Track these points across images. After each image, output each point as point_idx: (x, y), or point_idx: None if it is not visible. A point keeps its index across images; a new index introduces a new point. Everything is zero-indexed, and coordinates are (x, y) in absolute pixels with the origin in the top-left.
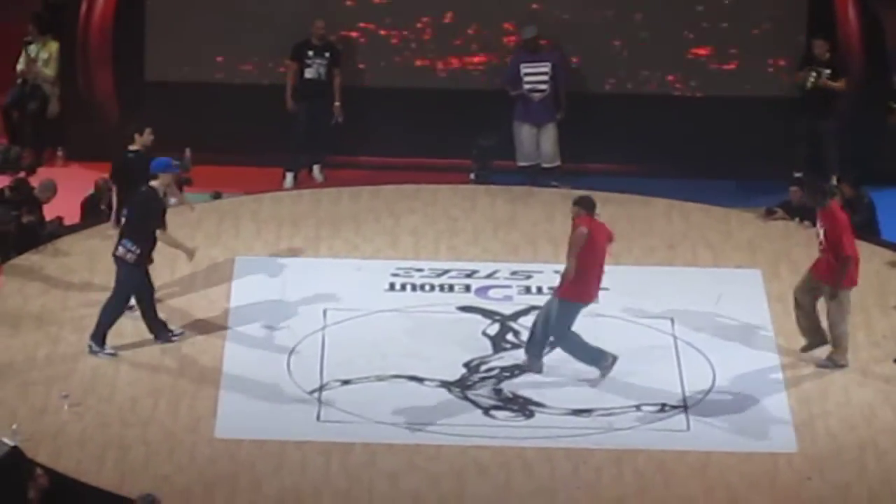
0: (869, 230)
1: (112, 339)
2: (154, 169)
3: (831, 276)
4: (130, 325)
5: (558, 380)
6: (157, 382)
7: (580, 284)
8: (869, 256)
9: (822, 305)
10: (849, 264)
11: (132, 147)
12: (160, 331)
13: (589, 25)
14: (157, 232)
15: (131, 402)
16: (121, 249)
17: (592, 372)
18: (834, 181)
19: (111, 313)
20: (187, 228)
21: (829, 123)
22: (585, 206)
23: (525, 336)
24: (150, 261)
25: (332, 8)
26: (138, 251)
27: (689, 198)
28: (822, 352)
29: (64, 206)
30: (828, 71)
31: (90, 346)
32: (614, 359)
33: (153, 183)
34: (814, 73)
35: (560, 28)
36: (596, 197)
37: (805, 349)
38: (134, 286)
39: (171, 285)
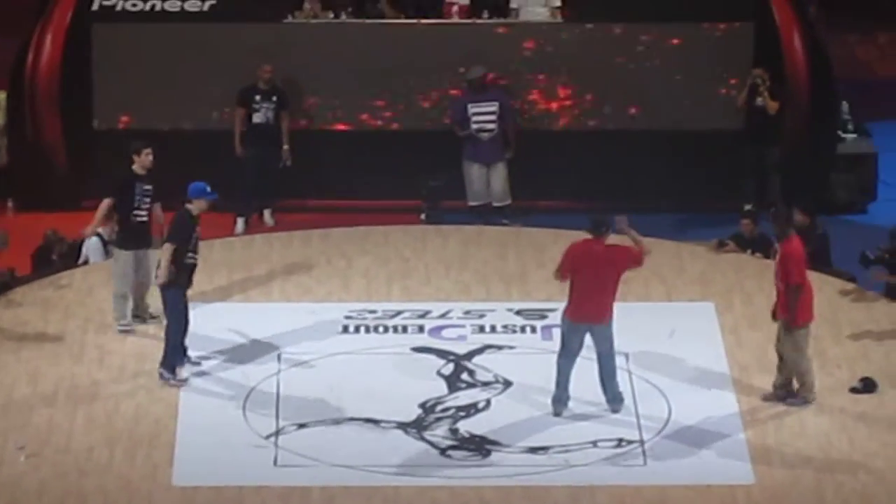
0: (821, 260)
1: (67, 386)
2: (191, 194)
3: (785, 310)
4: (85, 375)
5: (514, 418)
6: (113, 431)
7: (570, 302)
8: (821, 286)
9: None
10: (799, 294)
11: (134, 168)
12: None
13: (535, 63)
14: (164, 244)
15: (88, 451)
16: (160, 275)
17: (545, 409)
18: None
19: (174, 339)
20: None
21: (772, 152)
22: (589, 228)
23: (480, 375)
24: (190, 283)
25: (279, 53)
26: (175, 271)
27: (640, 232)
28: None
29: (15, 257)
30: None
31: (161, 374)
32: (558, 413)
33: (188, 206)
34: (759, 89)
35: (506, 67)
36: (547, 234)
37: (766, 397)
38: (179, 306)
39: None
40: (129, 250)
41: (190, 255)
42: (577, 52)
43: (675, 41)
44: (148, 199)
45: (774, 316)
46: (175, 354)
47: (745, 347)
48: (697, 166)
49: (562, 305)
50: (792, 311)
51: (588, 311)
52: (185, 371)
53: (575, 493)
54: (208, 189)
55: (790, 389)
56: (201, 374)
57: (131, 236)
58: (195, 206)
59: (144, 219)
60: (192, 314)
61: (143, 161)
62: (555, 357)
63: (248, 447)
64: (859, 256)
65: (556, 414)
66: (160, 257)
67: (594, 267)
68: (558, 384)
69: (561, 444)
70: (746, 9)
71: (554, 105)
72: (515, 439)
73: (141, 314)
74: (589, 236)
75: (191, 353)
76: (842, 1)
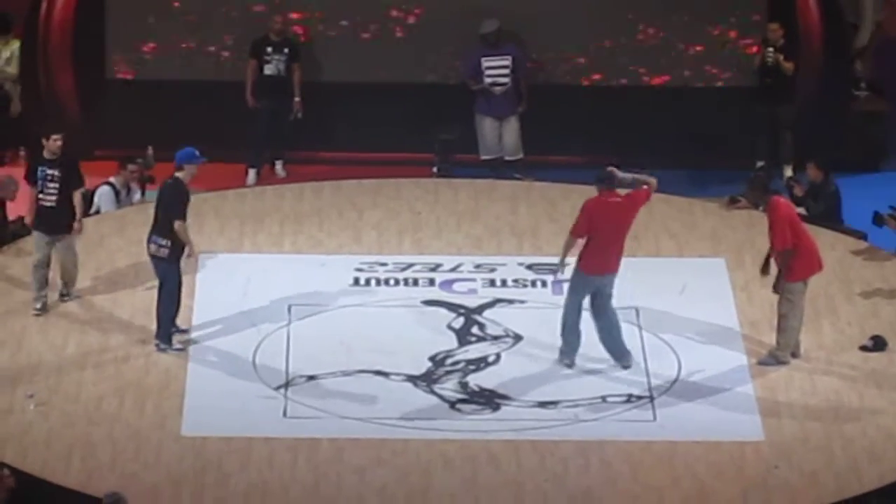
0: (832, 218)
1: (77, 336)
2: (179, 160)
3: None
4: (96, 324)
5: (523, 372)
6: (123, 381)
7: (586, 255)
8: (832, 244)
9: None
10: (788, 258)
11: (44, 153)
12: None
13: (549, 17)
14: (175, 222)
15: (97, 400)
16: (152, 247)
17: (555, 364)
18: (789, 171)
19: (168, 312)
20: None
21: (785, 110)
22: (597, 182)
23: (490, 329)
24: (182, 253)
25: (292, 3)
26: (169, 244)
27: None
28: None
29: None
30: (780, 55)
31: (157, 345)
32: (570, 365)
33: (178, 174)
34: (770, 50)
35: (520, 20)
36: (558, 189)
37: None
38: (176, 279)
39: (135, 282)
40: (38, 231)
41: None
42: (590, 6)
43: None
44: (54, 186)
45: (763, 272)
46: (169, 325)
47: (756, 304)
48: (711, 123)
49: (573, 261)
50: (784, 273)
51: (603, 263)
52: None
53: (584, 447)
54: (197, 153)
55: (795, 348)
56: (211, 323)
57: (40, 220)
58: (186, 173)
59: (51, 204)
60: (200, 264)
61: (50, 146)
62: (563, 311)
63: (257, 398)
64: (872, 215)
65: (570, 365)
66: (180, 235)
67: (614, 219)
68: (570, 335)
69: (570, 398)
70: None
71: (567, 59)
72: (525, 393)
73: (69, 293)
74: (599, 190)
75: (202, 302)
76: None
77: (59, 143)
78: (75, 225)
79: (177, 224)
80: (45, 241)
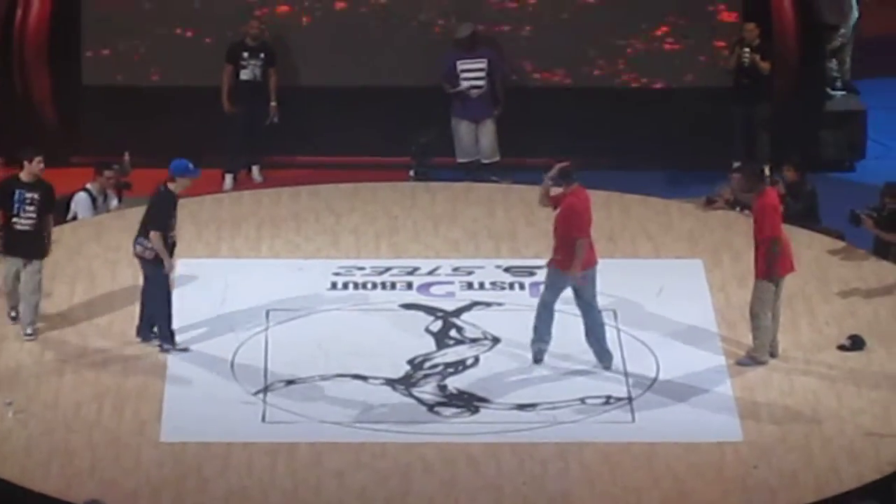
0: (810, 217)
1: (55, 343)
2: (173, 171)
3: (757, 263)
4: (73, 330)
5: (502, 375)
6: (102, 387)
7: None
8: (809, 243)
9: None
10: (776, 246)
11: (21, 174)
12: (147, 333)
13: (525, 20)
14: (151, 232)
15: (75, 407)
16: (138, 248)
17: (533, 366)
18: (767, 170)
19: (162, 312)
20: (131, 231)
21: (761, 110)
22: (569, 180)
23: (468, 332)
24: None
25: (268, 9)
26: (153, 247)
27: (628, 189)
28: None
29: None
30: (756, 55)
31: (161, 346)
32: (538, 361)
33: (170, 185)
34: (746, 50)
35: (496, 23)
36: (535, 192)
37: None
38: (164, 279)
39: (113, 288)
40: (9, 256)
41: (171, 234)
42: (567, 8)
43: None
44: (32, 209)
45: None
46: (168, 324)
47: (734, 305)
48: (687, 123)
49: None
50: (771, 265)
51: (587, 258)
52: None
53: (563, 449)
54: (191, 166)
55: (773, 347)
56: (189, 328)
57: (11, 243)
58: (178, 185)
59: (25, 228)
60: (178, 269)
61: (31, 168)
62: None
63: (236, 403)
64: (848, 214)
65: (539, 360)
66: (154, 246)
67: (589, 213)
68: (544, 332)
69: (549, 400)
70: None
71: (542, 61)
72: (503, 396)
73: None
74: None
75: (177, 309)
76: None
77: (42, 165)
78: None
79: (153, 234)
80: (17, 267)
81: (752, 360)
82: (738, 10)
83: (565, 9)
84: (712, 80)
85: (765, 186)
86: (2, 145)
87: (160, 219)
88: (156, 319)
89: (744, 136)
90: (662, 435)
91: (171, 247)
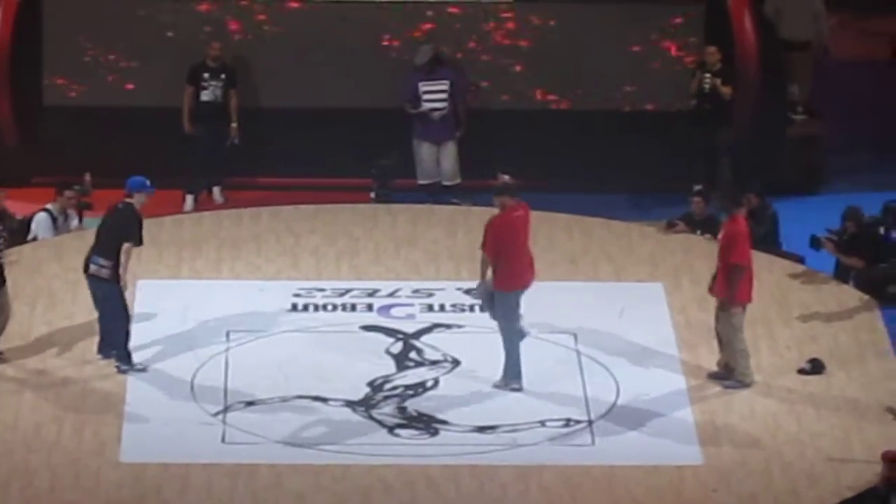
0: (771, 241)
1: (15, 363)
2: (130, 188)
3: (723, 288)
4: (33, 350)
5: (462, 397)
6: (61, 408)
7: (512, 272)
8: (769, 267)
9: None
10: (737, 274)
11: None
12: (107, 349)
13: (487, 42)
14: (126, 245)
15: (35, 427)
16: (93, 267)
17: (493, 388)
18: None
19: (119, 332)
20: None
21: (722, 134)
22: (510, 194)
23: (428, 353)
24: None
25: (228, 30)
26: (111, 264)
27: (589, 212)
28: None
29: None
30: (718, 80)
31: (118, 367)
32: (518, 389)
33: (129, 200)
34: (707, 76)
35: (457, 44)
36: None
37: (711, 376)
38: (120, 299)
39: (73, 308)
40: None
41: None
42: (528, 30)
43: (627, 21)
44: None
45: (711, 290)
46: (125, 345)
47: (694, 328)
48: (648, 146)
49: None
50: (731, 291)
51: (529, 277)
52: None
53: (523, 472)
54: (147, 183)
55: (732, 369)
56: (150, 349)
57: None
58: (136, 200)
59: None
60: (138, 290)
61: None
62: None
63: (196, 424)
64: (809, 239)
65: (519, 388)
66: (124, 260)
67: (525, 231)
68: (518, 361)
69: (509, 423)
70: None
71: (504, 84)
72: (463, 418)
73: None
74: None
75: (137, 330)
76: None
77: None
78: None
79: (126, 246)
80: None
81: (739, 383)
82: (701, 32)
83: (528, 33)
84: (674, 104)
85: (736, 212)
86: None
87: (137, 233)
88: (112, 339)
89: (705, 160)
90: (622, 458)
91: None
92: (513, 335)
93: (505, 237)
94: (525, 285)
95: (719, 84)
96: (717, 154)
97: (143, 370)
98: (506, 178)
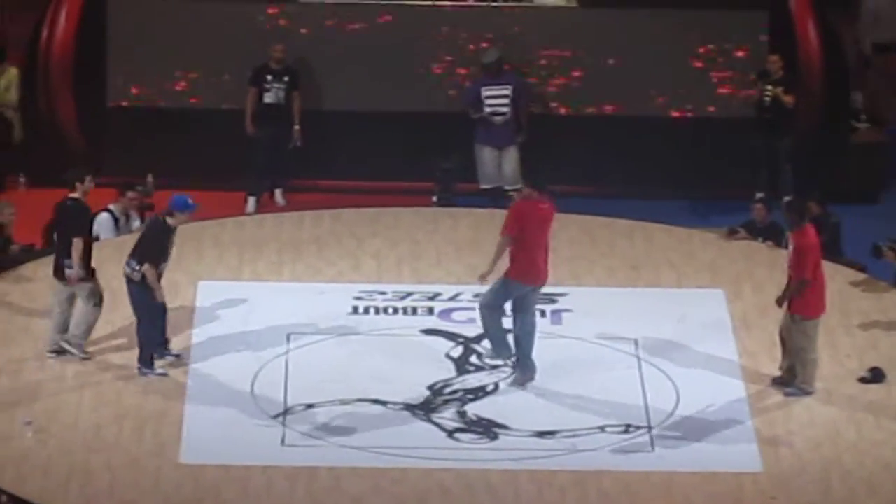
0: (833, 249)
1: (76, 363)
2: (174, 207)
3: (794, 303)
4: (94, 351)
5: (522, 402)
6: (121, 408)
7: (528, 263)
8: (832, 275)
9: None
10: (803, 288)
11: (73, 195)
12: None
13: (549, 48)
14: (145, 264)
15: (95, 428)
16: (127, 269)
17: (553, 393)
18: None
19: (145, 334)
20: None
21: (785, 142)
22: (536, 186)
23: (488, 358)
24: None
25: (293, 32)
26: (141, 270)
27: (651, 218)
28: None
29: (28, 232)
30: (780, 88)
31: (139, 369)
32: (510, 358)
33: (169, 220)
34: (769, 87)
35: (522, 52)
36: (558, 219)
37: (775, 381)
38: (147, 302)
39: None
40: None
41: (162, 265)
42: (591, 37)
43: (690, 27)
44: None
45: (779, 302)
46: (149, 348)
47: (755, 335)
48: (711, 153)
49: (573, 290)
50: (787, 300)
51: (543, 276)
52: (161, 365)
53: (581, 478)
54: (190, 202)
55: (795, 374)
56: (210, 351)
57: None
58: (176, 220)
59: None
60: (199, 292)
61: (85, 187)
62: (561, 341)
63: (255, 426)
64: (871, 247)
65: (510, 356)
66: (147, 278)
67: (547, 225)
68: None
69: (569, 428)
70: None
71: (567, 90)
72: (523, 423)
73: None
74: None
75: (201, 330)
76: None
77: (92, 184)
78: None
79: (146, 268)
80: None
81: (800, 390)
82: (765, 40)
83: (589, 39)
84: (736, 111)
85: (805, 224)
86: (28, 166)
87: (153, 251)
88: (141, 343)
89: (767, 168)
90: (681, 464)
91: (158, 275)
92: (493, 315)
93: (527, 223)
94: (535, 282)
95: (781, 93)
96: (780, 162)
97: (165, 375)
98: None
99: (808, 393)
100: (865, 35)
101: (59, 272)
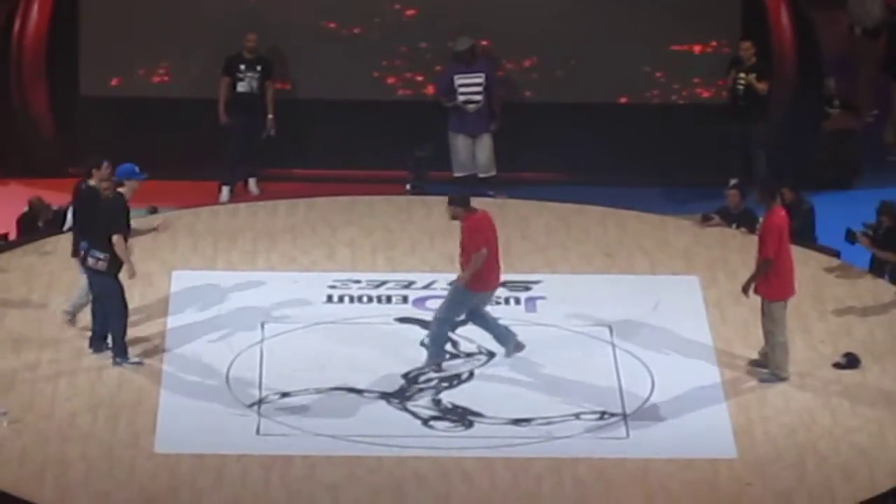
0: (806, 235)
1: (51, 353)
2: (120, 175)
3: (760, 285)
4: (69, 341)
5: (497, 389)
6: (96, 398)
7: (486, 273)
8: (805, 261)
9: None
10: (766, 268)
11: (90, 182)
12: (100, 344)
13: (523, 35)
14: (115, 237)
15: (70, 417)
16: (90, 261)
17: (528, 381)
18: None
19: (117, 324)
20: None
21: (758, 128)
22: (463, 204)
23: (463, 346)
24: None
25: (265, 21)
26: (107, 257)
27: (625, 205)
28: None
29: (1, 224)
30: (753, 75)
31: (114, 360)
32: (440, 364)
33: (120, 189)
34: (742, 74)
35: (494, 38)
36: (532, 206)
37: (752, 363)
38: (115, 291)
39: None
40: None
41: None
42: (565, 23)
43: (664, 14)
44: None
45: (744, 289)
46: (123, 338)
47: (729, 322)
48: (684, 140)
49: (547, 277)
50: (767, 287)
51: (496, 279)
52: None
53: (557, 465)
54: (137, 170)
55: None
56: (185, 342)
57: None
58: (127, 188)
59: None
60: (173, 281)
61: (102, 174)
62: (536, 328)
63: (230, 415)
64: (845, 233)
65: (439, 366)
66: (119, 251)
67: (495, 234)
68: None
69: (544, 415)
70: None
71: (540, 77)
72: (498, 411)
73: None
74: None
75: (175, 320)
76: None
77: (109, 170)
78: None
79: (116, 238)
80: None
81: (774, 376)
82: (737, 26)
83: (562, 25)
84: (709, 98)
85: (774, 205)
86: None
87: (121, 223)
88: (114, 334)
89: (741, 154)
90: (657, 451)
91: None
92: (445, 325)
93: (490, 234)
94: (496, 285)
95: (754, 80)
96: (753, 148)
97: (140, 363)
98: None
99: (782, 378)
100: (856, 22)
101: (79, 254)
